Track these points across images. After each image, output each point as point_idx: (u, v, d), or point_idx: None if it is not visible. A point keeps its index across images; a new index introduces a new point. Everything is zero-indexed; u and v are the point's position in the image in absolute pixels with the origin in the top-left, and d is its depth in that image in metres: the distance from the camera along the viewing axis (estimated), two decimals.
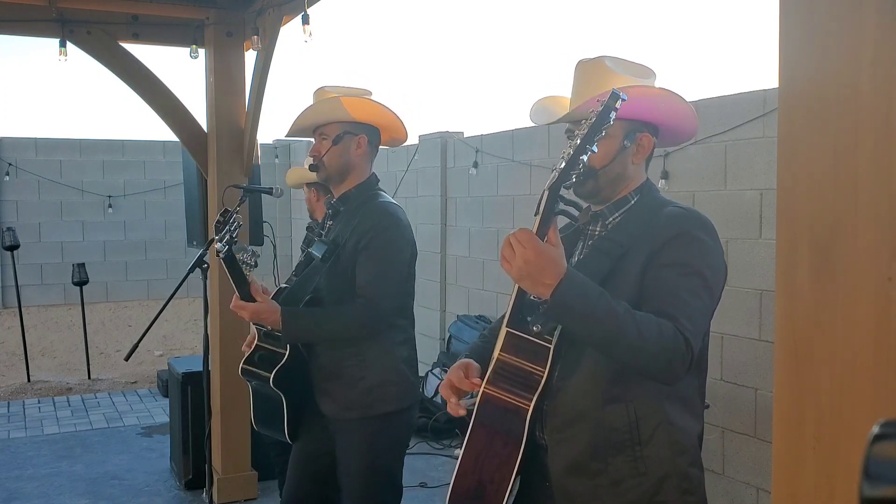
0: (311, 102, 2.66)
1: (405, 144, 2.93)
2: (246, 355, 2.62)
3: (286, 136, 2.80)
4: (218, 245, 2.51)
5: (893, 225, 0.99)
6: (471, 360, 1.84)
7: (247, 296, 2.50)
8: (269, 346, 2.57)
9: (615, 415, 1.69)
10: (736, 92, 3.78)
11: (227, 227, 2.53)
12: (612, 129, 1.63)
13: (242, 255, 2.55)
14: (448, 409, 1.79)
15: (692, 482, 1.73)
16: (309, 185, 4.04)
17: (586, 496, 1.71)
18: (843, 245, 1.05)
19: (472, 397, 1.78)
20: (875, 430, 0.64)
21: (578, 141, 1.53)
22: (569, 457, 1.72)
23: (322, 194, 3.90)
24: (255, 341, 2.60)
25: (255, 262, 2.59)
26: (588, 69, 1.83)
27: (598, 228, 1.83)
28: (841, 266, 1.05)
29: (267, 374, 2.54)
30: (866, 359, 1.02)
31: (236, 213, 2.57)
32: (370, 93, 2.73)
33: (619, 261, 1.70)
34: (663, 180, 4.07)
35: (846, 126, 1.04)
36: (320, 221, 2.80)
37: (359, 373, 2.54)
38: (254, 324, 2.60)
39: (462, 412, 1.77)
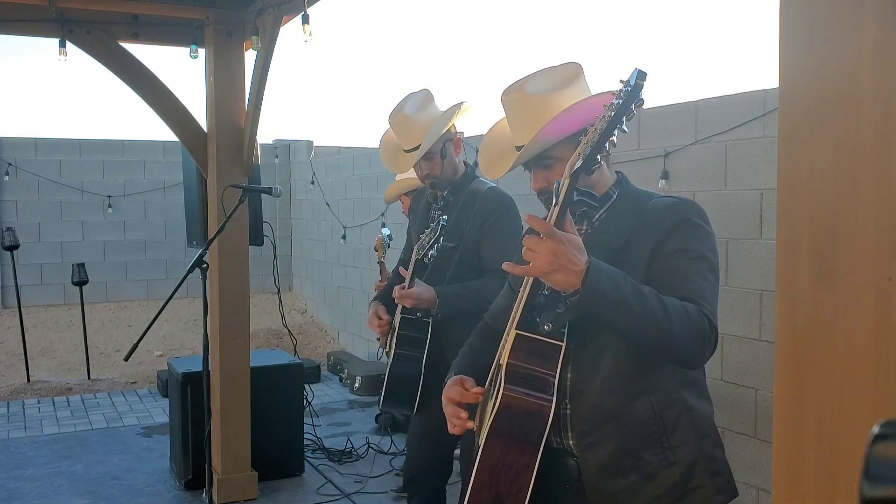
0: (395, 130, 2.96)
1: None
2: (394, 342, 2.90)
3: (400, 171, 3.18)
4: (430, 252, 2.82)
5: (893, 225, 0.99)
6: (463, 376, 1.83)
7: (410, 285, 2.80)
8: (412, 333, 2.89)
9: (641, 409, 1.68)
10: (736, 92, 3.77)
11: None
12: (557, 150, 1.71)
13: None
14: (452, 429, 1.77)
15: (719, 464, 1.76)
16: (407, 193, 4.20)
17: (622, 494, 1.70)
18: (843, 245, 1.05)
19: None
20: (875, 430, 0.64)
21: (605, 125, 1.48)
22: (602, 458, 1.70)
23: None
24: (398, 329, 2.89)
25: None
26: (517, 102, 1.81)
27: (584, 227, 1.82)
28: (841, 266, 1.05)
29: (419, 355, 2.85)
30: (866, 359, 1.02)
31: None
32: (430, 92, 3.01)
33: (619, 253, 1.68)
34: (663, 180, 4.07)
35: (846, 126, 1.04)
36: (429, 214, 3.07)
37: None
38: (402, 313, 2.87)
39: (471, 424, 1.76)
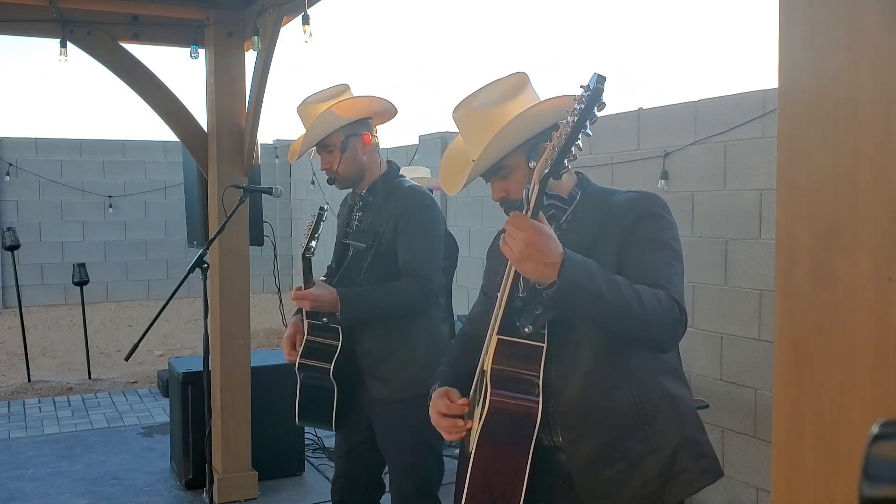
0: (301, 120, 2.75)
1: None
2: (301, 351, 2.68)
3: (293, 161, 2.88)
4: (313, 244, 2.60)
5: (893, 225, 0.99)
6: (447, 387, 1.88)
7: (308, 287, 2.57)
8: (321, 339, 2.65)
9: (622, 399, 1.74)
10: (736, 92, 3.78)
11: (322, 227, 2.62)
12: (511, 159, 1.75)
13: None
14: (450, 436, 1.81)
15: (702, 446, 1.81)
16: None
17: (610, 484, 1.75)
18: (843, 245, 1.05)
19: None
20: (875, 430, 0.64)
21: (570, 130, 1.52)
22: (588, 452, 1.75)
23: None
24: (306, 335, 2.66)
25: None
26: (466, 118, 1.82)
27: (553, 229, 1.84)
28: (840, 266, 1.05)
29: (327, 366, 2.62)
30: (866, 359, 1.02)
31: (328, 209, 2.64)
32: (348, 86, 2.79)
33: (589, 251, 1.72)
34: (663, 180, 4.07)
35: (846, 126, 1.04)
36: (348, 215, 2.87)
37: (409, 353, 2.63)
38: (307, 318, 2.65)
39: (470, 424, 1.79)
